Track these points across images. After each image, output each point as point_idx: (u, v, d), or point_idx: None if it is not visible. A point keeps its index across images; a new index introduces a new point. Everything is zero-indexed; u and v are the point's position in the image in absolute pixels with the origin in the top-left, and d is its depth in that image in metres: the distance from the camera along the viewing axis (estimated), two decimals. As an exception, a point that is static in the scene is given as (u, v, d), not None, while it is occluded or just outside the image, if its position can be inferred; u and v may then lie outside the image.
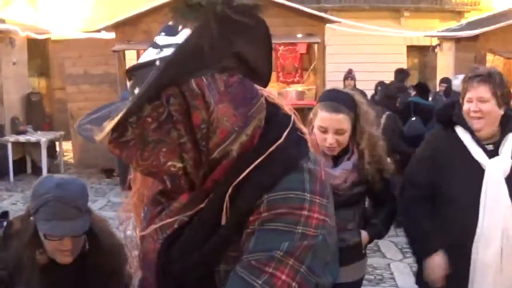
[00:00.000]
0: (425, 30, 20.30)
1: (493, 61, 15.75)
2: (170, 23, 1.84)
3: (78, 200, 3.08)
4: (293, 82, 16.41)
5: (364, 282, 5.07)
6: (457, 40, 16.19)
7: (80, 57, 14.32)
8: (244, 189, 1.86)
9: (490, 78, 4.01)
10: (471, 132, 4.14)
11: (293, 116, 2.03)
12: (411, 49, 23.68)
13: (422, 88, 11.64)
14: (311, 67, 15.43)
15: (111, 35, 13.97)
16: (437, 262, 4.06)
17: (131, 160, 1.91)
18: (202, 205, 1.92)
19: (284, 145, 1.91)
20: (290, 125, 1.97)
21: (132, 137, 1.84)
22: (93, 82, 14.19)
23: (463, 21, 21.31)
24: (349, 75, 13.98)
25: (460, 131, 4.21)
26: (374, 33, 17.72)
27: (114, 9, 18.79)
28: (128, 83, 1.93)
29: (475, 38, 15.16)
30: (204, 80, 1.81)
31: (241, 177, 1.84)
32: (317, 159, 2.00)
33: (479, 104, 4.01)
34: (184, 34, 1.84)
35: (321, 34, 14.14)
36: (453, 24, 21.47)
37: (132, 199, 2.32)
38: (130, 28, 13.60)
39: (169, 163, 1.88)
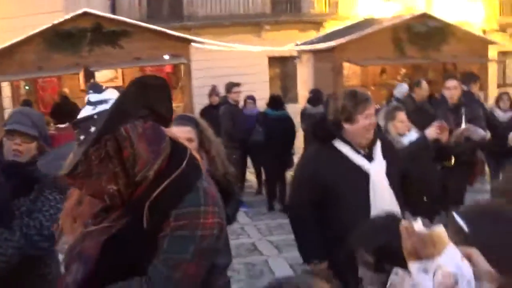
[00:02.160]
0: (285, 41, 21.90)
1: (351, 69, 17.86)
2: (92, 80, 3.33)
3: (34, 116, 4.73)
4: None
5: (246, 278, 6.28)
6: (315, 51, 17.93)
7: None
8: (159, 204, 2.84)
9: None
10: (349, 143, 5.09)
11: (189, 149, 3.04)
12: (272, 60, 25.39)
13: (275, 100, 13.07)
14: (179, 86, 16.91)
15: None
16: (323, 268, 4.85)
17: (82, 187, 2.86)
18: (129, 217, 2.85)
19: (184, 170, 2.91)
20: (188, 156, 2.97)
21: (82, 171, 2.74)
22: None
23: (323, 32, 23.44)
24: (212, 92, 15.01)
25: (338, 144, 5.10)
26: (237, 49, 19.23)
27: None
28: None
29: (332, 49, 16.95)
30: (129, 127, 2.75)
31: (154, 195, 2.83)
32: (208, 179, 3.03)
33: (373, 118, 5.11)
34: (109, 93, 2.88)
35: (187, 54, 15.78)
36: (313, 34, 23.51)
37: (71, 214, 3.22)
38: (4, 59, 14.63)
39: (108, 187, 2.81)
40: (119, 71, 17.62)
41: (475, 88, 11.19)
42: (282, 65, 25.96)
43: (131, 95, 2.79)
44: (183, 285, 2.87)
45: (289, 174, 12.83)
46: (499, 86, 26.48)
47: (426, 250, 1.89)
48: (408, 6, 25.78)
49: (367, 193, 5.02)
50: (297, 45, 19.95)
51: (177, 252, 2.84)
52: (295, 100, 19.28)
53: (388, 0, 26.04)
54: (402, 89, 12.30)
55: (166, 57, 15.44)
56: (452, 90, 8.74)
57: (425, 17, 18.52)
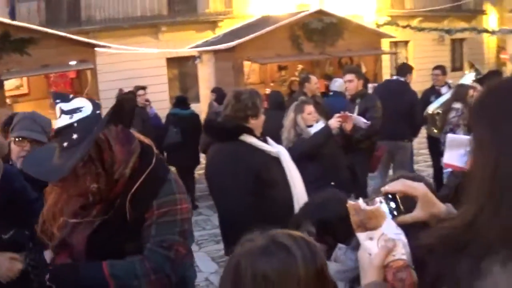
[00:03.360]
0: (182, 42, 22.53)
1: (250, 67, 18.78)
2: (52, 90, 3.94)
3: (43, 122, 4.94)
4: None
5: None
6: (216, 51, 18.50)
7: None
8: (139, 197, 3.28)
9: None
10: (255, 135, 5.65)
11: (153, 147, 3.49)
12: (171, 61, 25.96)
13: (182, 100, 13.69)
14: (86, 91, 17.09)
15: None
16: None
17: (69, 188, 3.26)
18: (112, 210, 3.28)
19: (155, 166, 3.38)
20: (155, 153, 3.44)
21: (70, 176, 3.14)
22: None
23: (218, 31, 24.13)
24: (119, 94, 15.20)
25: (246, 137, 5.62)
26: (138, 52, 19.77)
27: None
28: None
29: (232, 48, 17.61)
30: (106, 131, 3.19)
31: (133, 189, 3.26)
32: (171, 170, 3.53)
33: None
34: (79, 101, 3.23)
35: (92, 59, 16.24)
36: (209, 33, 24.28)
37: (50, 211, 3.54)
38: None
39: (91, 186, 3.22)
40: (24, 78, 17.54)
41: (410, 78, 12.03)
42: (180, 66, 26.36)
43: (119, 107, 3.29)
44: (177, 262, 3.38)
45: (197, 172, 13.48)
46: (391, 76, 27.87)
47: (370, 223, 2.29)
48: (302, 3, 26.86)
49: (284, 173, 5.65)
50: (195, 46, 20.44)
51: (167, 235, 3.33)
52: (196, 99, 19.74)
53: (282, -2, 26.93)
54: (337, 83, 12.75)
55: (73, 63, 15.82)
56: (349, 82, 9.58)
57: (320, 13, 19.35)
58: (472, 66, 12.40)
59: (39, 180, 3.85)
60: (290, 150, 7.11)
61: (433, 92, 12.48)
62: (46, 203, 3.66)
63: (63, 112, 3.18)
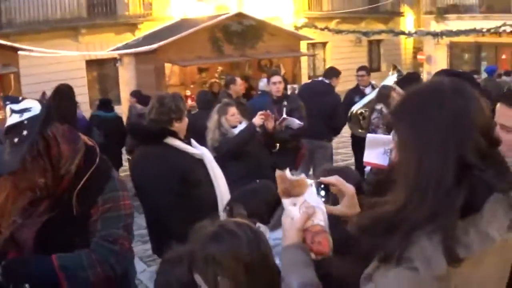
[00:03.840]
0: (102, 44, 22.85)
1: (171, 69, 18.93)
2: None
3: None
4: None
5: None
6: (137, 54, 18.63)
7: None
8: (85, 193, 3.46)
9: None
10: (179, 138, 5.86)
11: (96, 147, 3.69)
12: (90, 63, 26.01)
13: (106, 103, 13.80)
14: (9, 94, 16.75)
15: None
16: None
17: (19, 181, 3.40)
18: (60, 206, 3.44)
19: (99, 164, 3.59)
20: (98, 153, 3.63)
21: (20, 171, 3.30)
22: None
23: (138, 33, 24.35)
24: (42, 98, 14.19)
25: (170, 140, 5.83)
26: (58, 55, 19.74)
27: None
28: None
29: (153, 51, 17.75)
30: (53, 128, 3.37)
31: (79, 186, 3.45)
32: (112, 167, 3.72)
33: None
34: (28, 102, 3.41)
35: (15, 62, 16.26)
36: (129, 36, 24.41)
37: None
38: None
39: (39, 180, 3.38)
40: None
41: (335, 82, 12.44)
42: (100, 68, 26.47)
43: (56, 100, 3.55)
44: (122, 255, 3.58)
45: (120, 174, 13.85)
46: (309, 77, 28.39)
47: (294, 190, 2.54)
48: (220, 5, 27.20)
49: (207, 173, 5.93)
50: (116, 49, 20.47)
51: (112, 229, 3.53)
52: (117, 102, 19.54)
53: (201, 1, 27.16)
54: (263, 82, 12.70)
55: (-4, 66, 15.65)
56: (277, 84, 9.84)
57: (240, 16, 19.64)
58: (395, 68, 12.84)
59: None
60: (216, 149, 7.56)
61: (357, 92, 12.86)
62: None
63: (13, 111, 3.36)
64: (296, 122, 9.06)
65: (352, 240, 2.49)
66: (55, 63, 22.63)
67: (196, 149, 6.02)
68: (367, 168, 7.68)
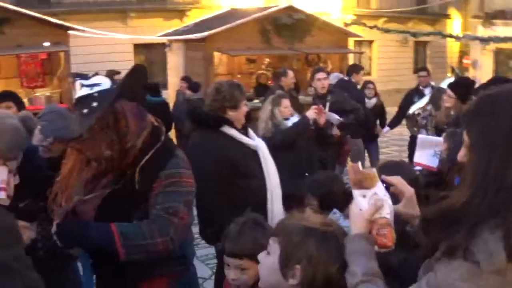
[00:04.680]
0: (150, 29, 22.83)
1: (219, 58, 18.96)
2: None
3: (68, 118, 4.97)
4: (36, 87, 17.73)
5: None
6: (186, 40, 18.74)
7: None
8: (148, 168, 3.62)
9: None
10: (235, 127, 5.92)
11: (162, 126, 3.89)
12: (138, 47, 26.08)
13: (154, 87, 13.79)
14: (58, 72, 17.36)
15: None
16: None
17: (86, 151, 3.60)
18: (123, 179, 3.60)
19: (164, 142, 3.77)
20: (163, 132, 3.83)
21: (87, 137, 3.49)
22: None
23: (186, 20, 24.45)
24: None
25: (226, 129, 5.89)
26: (109, 36, 19.92)
27: None
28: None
29: (203, 39, 17.84)
30: (122, 103, 3.58)
31: (143, 161, 3.61)
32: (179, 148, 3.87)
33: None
34: (98, 78, 3.64)
35: (66, 41, 16.41)
36: (177, 22, 24.54)
37: (63, 181, 3.83)
38: None
39: (106, 152, 3.57)
40: (-6, 56, 17.60)
41: (356, 77, 12.61)
42: (147, 53, 26.56)
43: (130, 79, 3.70)
44: (180, 229, 3.68)
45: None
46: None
47: (366, 183, 2.65)
48: (269, -3, 27.26)
49: (260, 165, 5.99)
50: (165, 35, 20.64)
51: (173, 202, 3.65)
52: (163, 87, 19.67)
53: (250, -9, 27.22)
54: (335, 77, 12.94)
55: (47, 44, 15.92)
56: (322, 81, 10.15)
57: (290, 9, 19.62)
58: (453, 71, 12.98)
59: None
60: (268, 139, 7.54)
61: (417, 93, 13.00)
62: (60, 174, 3.94)
63: (83, 85, 3.56)
64: (335, 117, 9.23)
65: (409, 236, 2.77)
66: (103, 44, 22.73)
67: (252, 140, 6.08)
68: (417, 169, 7.78)
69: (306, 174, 7.66)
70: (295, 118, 8.49)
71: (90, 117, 3.48)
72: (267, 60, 20.11)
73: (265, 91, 13.83)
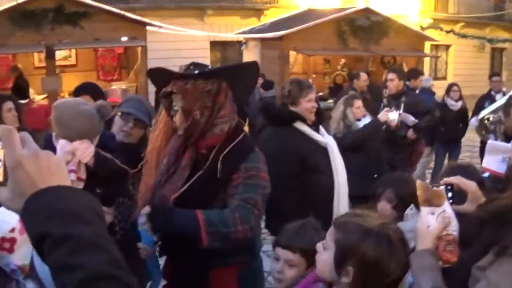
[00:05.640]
0: (227, 27, 23.06)
1: (295, 58, 19.15)
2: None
3: (149, 106, 5.46)
4: (112, 80, 18.44)
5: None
6: (262, 39, 19.04)
7: None
8: (230, 158, 3.72)
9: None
10: (307, 124, 5.97)
11: (243, 124, 4.34)
12: (214, 44, 25.96)
13: (268, 83, 14.22)
14: (135, 67, 17.71)
15: None
16: None
17: (183, 96, 3.72)
18: (205, 166, 3.72)
19: (245, 137, 3.88)
20: (244, 129, 4.00)
21: (190, 88, 3.70)
22: None
23: (263, 19, 24.39)
24: None
25: (298, 125, 5.96)
26: (187, 33, 20.22)
27: None
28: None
29: (279, 38, 18.03)
30: (227, 87, 3.82)
31: (226, 150, 3.72)
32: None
33: (314, 102, 6.05)
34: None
35: (143, 36, 16.75)
36: (254, 21, 24.51)
37: (150, 155, 4.03)
38: None
39: (196, 112, 3.72)
40: (73, 50, 18.07)
41: (414, 83, 12.51)
42: (223, 50, 26.55)
43: (243, 70, 4.01)
44: (257, 219, 3.74)
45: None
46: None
47: (434, 200, 2.71)
48: (346, -1, 27.18)
49: (329, 163, 6.01)
50: (242, 33, 21.02)
51: (252, 193, 3.72)
52: None
53: (327, -7, 27.21)
54: (428, 82, 13.09)
55: (124, 38, 16.29)
56: (393, 81, 9.89)
57: (367, 11, 19.68)
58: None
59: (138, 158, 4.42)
60: (339, 140, 7.44)
61: (489, 98, 12.75)
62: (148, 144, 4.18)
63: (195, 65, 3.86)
64: (411, 119, 9.14)
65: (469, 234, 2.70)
66: (179, 41, 22.77)
67: (322, 137, 6.11)
68: (485, 174, 7.69)
69: (375, 176, 7.65)
70: (367, 120, 8.44)
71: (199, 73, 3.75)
72: (342, 61, 20.11)
73: (339, 91, 13.82)
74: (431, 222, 2.70)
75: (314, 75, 19.80)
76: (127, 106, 5.43)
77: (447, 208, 2.74)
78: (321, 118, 6.33)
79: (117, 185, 4.57)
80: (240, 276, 4.05)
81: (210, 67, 3.90)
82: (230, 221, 3.63)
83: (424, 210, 2.75)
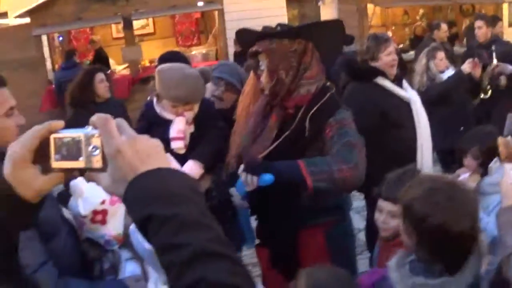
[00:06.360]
0: None
1: (373, 10, 18.84)
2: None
3: (242, 74, 5.58)
4: (191, 45, 18.47)
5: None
6: None
7: (-6, 43, 15.32)
8: (318, 116, 3.78)
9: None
10: (388, 78, 5.94)
11: (332, 85, 4.02)
12: (290, 1, 25.01)
13: None
14: (213, 30, 17.67)
15: (25, 20, 15.44)
16: None
17: (268, 55, 3.80)
18: (292, 126, 3.77)
19: (331, 96, 3.91)
20: (332, 90, 3.97)
21: (276, 45, 3.78)
22: (12, 68, 14.68)
23: None
24: None
25: (380, 80, 5.95)
26: None
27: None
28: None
29: None
30: (314, 49, 3.85)
31: (313, 109, 3.78)
32: None
33: (394, 55, 6.00)
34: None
35: (220, 0, 16.59)
36: None
37: (239, 119, 4.23)
38: (45, 12, 15.16)
39: (281, 71, 3.80)
40: (150, 18, 18.18)
41: (494, 30, 12.16)
42: (300, 7, 26.35)
43: (330, 27, 3.99)
44: (361, 158, 3.78)
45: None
46: (510, 25, 27.25)
47: None
48: None
49: (412, 118, 5.94)
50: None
51: (349, 137, 3.77)
52: None
53: None
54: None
55: (200, 3, 16.20)
56: (481, 29, 9.70)
57: (443, -42, 19.02)
58: None
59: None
60: (423, 93, 7.41)
61: None
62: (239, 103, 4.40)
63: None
64: (509, 68, 8.80)
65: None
66: (256, 1, 22.73)
67: (404, 91, 6.04)
68: None
69: (461, 129, 7.65)
70: (450, 71, 8.28)
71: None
72: (421, 11, 19.71)
73: (419, 43, 13.55)
74: None
75: (393, 27, 19.52)
76: (218, 71, 5.59)
77: None
78: (404, 71, 6.28)
79: (216, 151, 4.72)
80: (329, 235, 4.07)
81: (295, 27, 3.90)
82: (332, 161, 3.67)
83: (508, 166, 2.70)
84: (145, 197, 1.43)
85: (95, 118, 1.50)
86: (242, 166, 3.80)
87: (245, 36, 4.15)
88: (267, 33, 3.94)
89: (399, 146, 5.79)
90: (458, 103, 8.12)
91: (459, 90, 8.16)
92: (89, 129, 1.50)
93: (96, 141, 1.49)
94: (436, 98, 7.83)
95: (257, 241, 4.42)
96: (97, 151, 1.48)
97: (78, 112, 7.39)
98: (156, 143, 1.54)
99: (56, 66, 15.97)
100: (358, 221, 7.36)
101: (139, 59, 15.96)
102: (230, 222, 4.64)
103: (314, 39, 3.88)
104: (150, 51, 16.94)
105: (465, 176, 4.45)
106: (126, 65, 16.38)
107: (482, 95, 8.77)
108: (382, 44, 6.03)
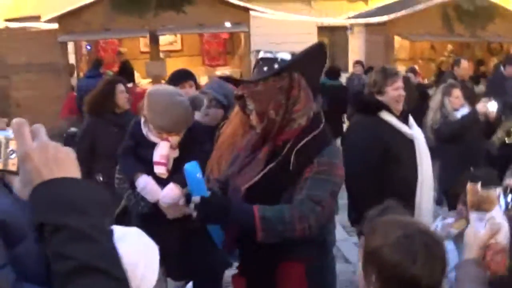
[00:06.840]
0: (334, 11, 22.62)
1: (400, 44, 18.80)
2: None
3: (227, 90, 5.47)
4: (217, 65, 18.56)
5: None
6: (367, 24, 18.67)
7: (23, 47, 15.38)
8: (304, 152, 3.64)
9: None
10: (393, 113, 5.80)
11: (322, 113, 3.87)
12: (321, 29, 25.23)
13: (334, 70, 13.89)
14: (239, 51, 17.82)
15: (53, 25, 15.66)
16: None
17: (255, 100, 3.65)
18: (279, 158, 3.64)
19: (322, 130, 3.73)
20: (323, 120, 3.81)
21: (261, 88, 3.62)
22: (37, 71, 15.33)
23: (371, 3, 23.83)
24: None
25: (385, 114, 5.81)
26: (292, 19, 20.06)
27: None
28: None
29: (384, 23, 17.68)
30: (300, 78, 3.66)
31: (301, 144, 3.63)
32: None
33: (402, 90, 5.85)
34: (281, 53, 3.69)
35: (246, 22, 16.69)
36: (361, 5, 23.93)
37: (222, 146, 4.17)
38: (73, 19, 15.41)
39: (270, 111, 3.65)
40: (178, 35, 18.27)
41: (510, 70, 12.18)
42: (330, 35, 26.25)
43: (311, 54, 3.78)
44: (321, 218, 3.62)
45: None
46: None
47: (484, 206, 2.70)
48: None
49: (414, 155, 5.79)
50: (349, 18, 20.65)
51: (319, 191, 3.60)
52: (345, 70, 19.74)
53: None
54: None
55: (228, 24, 16.26)
56: None
57: (472, -4, 18.95)
58: None
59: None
60: (435, 131, 7.44)
61: None
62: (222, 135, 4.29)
63: (269, 52, 3.74)
64: (518, 110, 8.69)
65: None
66: (285, 26, 22.77)
67: (408, 128, 5.90)
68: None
69: (471, 169, 7.36)
70: (465, 110, 8.14)
71: (268, 73, 3.65)
72: (449, 47, 19.62)
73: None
74: (479, 230, 2.55)
75: (420, 61, 19.41)
76: (206, 87, 5.72)
77: (496, 214, 2.65)
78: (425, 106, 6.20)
79: None
80: (309, 270, 3.94)
81: (279, 59, 3.69)
82: (288, 218, 3.55)
83: (473, 216, 2.71)
84: (43, 204, 1.47)
85: (13, 121, 1.53)
86: (194, 198, 3.62)
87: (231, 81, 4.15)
88: (248, 81, 3.83)
89: (397, 182, 5.63)
90: (471, 143, 7.97)
91: (473, 130, 7.95)
92: (10, 132, 1.53)
93: (14, 145, 1.53)
94: (448, 137, 7.75)
95: (235, 269, 4.31)
96: (14, 155, 1.53)
97: (94, 121, 7.33)
98: (67, 152, 1.57)
99: (81, 74, 16.09)
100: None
101: (163, 75, 15.97)
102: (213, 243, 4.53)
103: (299, 69, 3.76)
104: (175, 68, 16.75)
105: (448, 221, 4.29)
106: (151, 79, 16.41)
107: (506, 140, 8.61)
108: (389, 78, 5.93)
